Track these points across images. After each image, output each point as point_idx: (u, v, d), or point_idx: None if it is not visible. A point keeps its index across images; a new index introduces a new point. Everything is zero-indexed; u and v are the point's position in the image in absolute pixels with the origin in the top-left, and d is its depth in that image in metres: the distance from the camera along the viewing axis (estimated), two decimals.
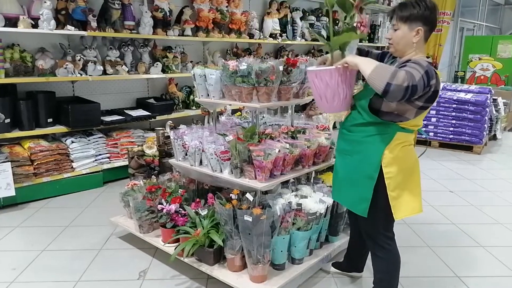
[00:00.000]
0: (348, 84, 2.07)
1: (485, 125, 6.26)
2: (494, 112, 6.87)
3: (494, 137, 7.32)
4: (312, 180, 3.12)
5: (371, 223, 2.17)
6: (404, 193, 2.09)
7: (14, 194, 3.81)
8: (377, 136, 2.05)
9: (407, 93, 1.80)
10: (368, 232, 2.24)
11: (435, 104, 6.43)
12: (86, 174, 4.39)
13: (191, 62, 5.51)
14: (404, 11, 1.97)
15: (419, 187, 2.16)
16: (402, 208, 2.09)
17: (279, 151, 2.48)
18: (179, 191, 2.99)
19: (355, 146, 2.13)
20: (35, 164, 4.02)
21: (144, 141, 4.55)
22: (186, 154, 2.94)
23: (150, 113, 4.91)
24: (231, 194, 2.55)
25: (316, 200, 2.64)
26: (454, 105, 6.24)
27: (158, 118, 4.99)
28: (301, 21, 6.89)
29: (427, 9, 1.96)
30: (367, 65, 1.89)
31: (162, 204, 2.84)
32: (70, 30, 4.14)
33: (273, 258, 2.51)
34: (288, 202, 2.58)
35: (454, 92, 6.40)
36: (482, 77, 9.41)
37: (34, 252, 3.08)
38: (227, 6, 5.68)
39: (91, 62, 4.37)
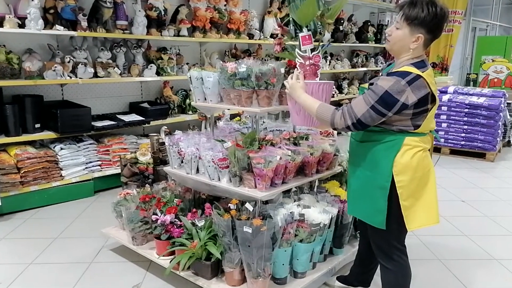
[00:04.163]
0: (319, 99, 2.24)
1: (499, 131, 6.28)
2: (509, 117, 6.90)
3: (508, 144, 7.34)
4: (315, 189, 3.14)
5: (383, 235, 2.16)
6: (418, 203, 2.09)
7: None
8: (385, 143, 2.06)
9: (351, 130, 2.03)
10: (379, 244, 2.24)
11: (445, 108, 6.38)
12: (76, 182, 4.40)
13: (187, 64, 5.54)
14: (412, 11, 1.95)
15: (435, 196, 2.15)
16: (416, 218, 2.09)
17: (280, 158, 2.50)
18: (174, 201, 3.01)
19: (365, 155, 2.14)
20: (22, 172, 4.03)
21: (138, 148, 4.57)
22: (182, 162, 2.96)
23: (143, 118, 4.94)
24: (229, 204, 2.56)
25: (319, 210, 2.66)
26: (466, 110, 6.26)
27: (152, 123, 5.02)
28: None
29: (436, 17, 1.94)
30: (310, 107, 2.17)
31: (156, 214, 2.85)
32: (59, 30, 4.17)
33: (274, 272, 2.52)
34: (290, 213, 2.59)
35: (466, 96, 6.42)
36: (495, 80, 9.44)
37: (21, 265, 3.09)
38: (225, 5, 5.73)
39: (81, 64, 4.40)
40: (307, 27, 2.38)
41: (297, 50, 2.38)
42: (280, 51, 2.59)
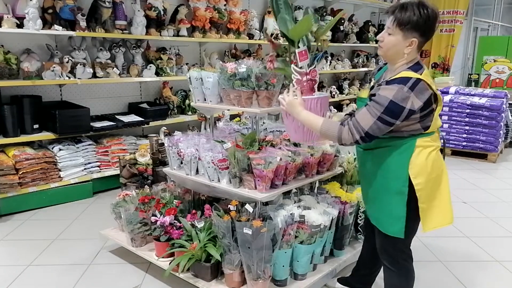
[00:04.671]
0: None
1: (501, 132, 6.28)
2: (510, 117, 6.90)
3: (510, 145, 7.34)
4: (315, 190, 3.14)
5: (393, 241, 2.14)
6: (433, 204, 2.07)
7: None
8: (398, 147, 2.03)
9: (359, 143, 1.99)
10: (386, 249, 2.22)
11: (447, 109, 6.37)
12: (74, 183, 4.40)
13: (186, 64, 5.55)
14: (403, 15, 1.93)
15: (449, 196, 2.14)
16: (432, 219, 2.07)
17: (280, 159, 2.50)
18: (174, 202, 3.01)
19: (377, 162, 2.12)
20: (20, 173, 4.03)
21: (137, 149, 4.58)
22: (182, 163, 2.97)
23: (143, 119, 4.94)
24: (229, 205, 2.57)
25: (320, 212, 2.66)
26: (468, 110, 6.26)
27: (151, 124, 5.02)
28: None
29: (429, 19, 1.93)
30: (312, 124, 2.11)
31: (155, 216, 2.85)
32: (58, 30, 4.18)
33: (274, 274, 2.53)
34: (290, 214, 2.59)
35: (468, 96, 6.42)
36: (497, 80, 9.44)
37: (19, 267, 3.09)
38: (225, 5, 5.73)
39: (80, 64, 4.40)
40: (298, 42, 2.34)
41: (293, 66, 2.33)
42: (273, 68, 2.53)
